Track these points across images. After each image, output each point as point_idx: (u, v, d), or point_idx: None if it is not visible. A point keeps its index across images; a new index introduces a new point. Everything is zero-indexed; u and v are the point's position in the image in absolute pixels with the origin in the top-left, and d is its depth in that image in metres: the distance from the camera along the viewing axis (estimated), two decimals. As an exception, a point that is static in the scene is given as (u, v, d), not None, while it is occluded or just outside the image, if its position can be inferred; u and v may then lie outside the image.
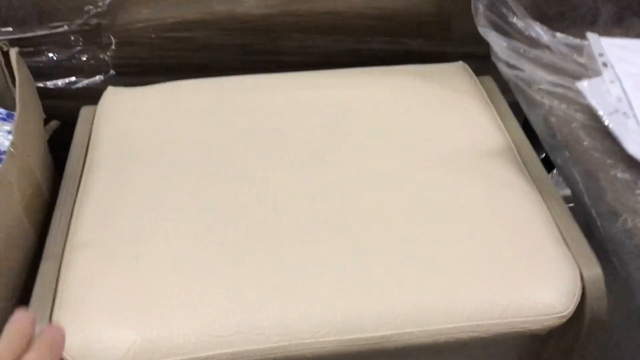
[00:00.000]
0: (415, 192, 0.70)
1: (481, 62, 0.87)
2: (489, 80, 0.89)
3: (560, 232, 0.67)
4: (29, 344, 0.39)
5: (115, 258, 0.63)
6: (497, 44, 0.81)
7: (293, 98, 0.84)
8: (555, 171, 0.95)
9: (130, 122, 0.80)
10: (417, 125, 0.79)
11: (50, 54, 0.90)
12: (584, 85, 0.74)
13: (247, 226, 0.66)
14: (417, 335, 0.59)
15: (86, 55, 0.91)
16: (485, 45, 0.96)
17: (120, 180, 0.72)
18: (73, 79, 0.93)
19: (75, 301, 0.60)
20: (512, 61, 0.80)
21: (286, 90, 0.85)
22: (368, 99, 0.83)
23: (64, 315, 0.59)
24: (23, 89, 0.75)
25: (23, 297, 0.64)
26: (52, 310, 0.60)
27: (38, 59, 0.90)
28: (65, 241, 0.67)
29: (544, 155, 0.93)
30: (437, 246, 0.64)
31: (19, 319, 0.40)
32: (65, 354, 0.56)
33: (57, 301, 0.60)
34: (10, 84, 0.84)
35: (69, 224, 0.69)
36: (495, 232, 0.66)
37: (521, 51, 0.79)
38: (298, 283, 0.61)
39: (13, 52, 0.80)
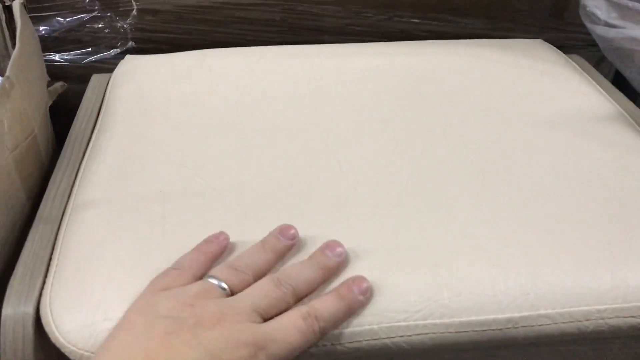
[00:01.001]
0: (523, 153, 0.55)
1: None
2: (576, 57, 0.76)
3: None
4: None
5: (134, 219, 0.47)
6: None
7: (351, 64, 0.69)
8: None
9: (153, 84, 0.66)
10: (507, 90, 0.65)
11: (58, 19, 0.76)
12: None
13: (305, 186, 0.51)
14: (555, 319, 0.42)
15: (101, 23, 0.78)
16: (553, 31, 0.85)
17: (141, 138, 0.57)
18: (83, 51, 0.79)
19: (76, 271, 0.43)
20: (614, 21, 0.66)
21: (342, 58, 0.71)
22: (442, 65, 0.69)
23: (60, 289, 0.42)
24: (24, 33, 0.61)
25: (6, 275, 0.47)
26: (43, 284, 0.43)
27: (42, 25, 0.77)
28: (67, 203, 0.51)
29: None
30: (570, 209, 0.48)
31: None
32: (61, 339, 0.40)
33: (51, 272, 0.44)
34: (11, 49, 0.70)
35: (73, 185, 0.53)
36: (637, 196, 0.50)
37: (629, 5, 0.65)
38: (384, 249, 0.44)
39: (17, 4, 0.66)
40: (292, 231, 0.43)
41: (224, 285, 0.38)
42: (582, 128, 0.58)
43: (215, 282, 0.38)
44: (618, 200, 0.49)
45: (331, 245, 0.42)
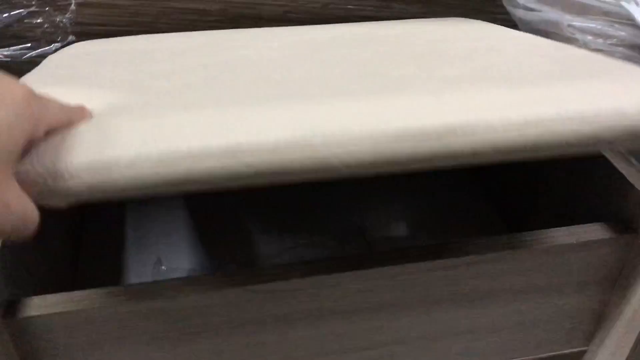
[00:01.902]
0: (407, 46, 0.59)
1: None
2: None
3: None
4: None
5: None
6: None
7: (287, 38, 0.71)
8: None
9: (85, 61, 0.65)
10: (423, 39, 0.68)
11: (-4, 15, 0.77)
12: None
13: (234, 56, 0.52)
14: (498, 129, 0.40)
15: (40, 18, 0.78)
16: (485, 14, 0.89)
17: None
18: (23, 46, 0.79)
19: None
20: (532, 5, 0.72)
21: (278, 35, 0.73)
22: (365, 32, 0.72)
23: None
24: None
25: None
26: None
27: (-21, 22, 0.77)
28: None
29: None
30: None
31: None
32: None
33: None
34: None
35: None
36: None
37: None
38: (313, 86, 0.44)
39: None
40: None
41: None
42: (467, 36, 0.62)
43: None
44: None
45: None
